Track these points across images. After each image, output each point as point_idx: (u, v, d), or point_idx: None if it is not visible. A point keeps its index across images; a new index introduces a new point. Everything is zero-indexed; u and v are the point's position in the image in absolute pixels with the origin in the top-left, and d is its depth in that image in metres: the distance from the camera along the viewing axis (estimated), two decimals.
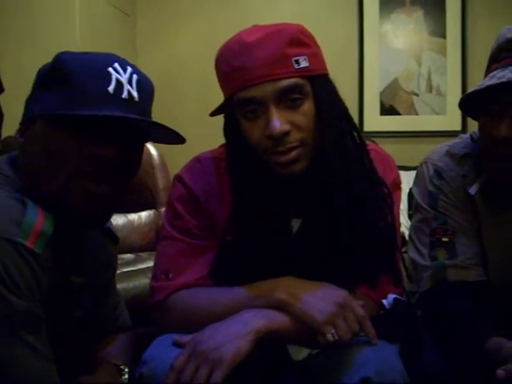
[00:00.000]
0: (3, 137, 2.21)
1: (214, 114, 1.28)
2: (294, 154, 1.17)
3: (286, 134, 1.15)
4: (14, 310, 0.93)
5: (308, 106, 1.18)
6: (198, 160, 1.34)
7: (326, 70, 1.24)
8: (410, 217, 2.88)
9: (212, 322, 1.14)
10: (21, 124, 1.11)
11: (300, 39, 1.19)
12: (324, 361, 1.17)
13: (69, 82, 1.03)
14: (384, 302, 1.22)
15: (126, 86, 1.07)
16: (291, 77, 1.16)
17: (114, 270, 1.40)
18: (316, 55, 1.21)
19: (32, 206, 1.00)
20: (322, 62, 1.24)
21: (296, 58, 1.16)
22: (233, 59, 1.17)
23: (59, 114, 1.03)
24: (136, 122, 1.08)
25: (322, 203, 1.21)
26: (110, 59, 1.09)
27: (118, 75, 1.06)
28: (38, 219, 0.99)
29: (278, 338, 1.14)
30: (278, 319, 1.13)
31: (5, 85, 2.08)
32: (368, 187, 1.23)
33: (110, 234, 1.34)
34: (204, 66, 3.69)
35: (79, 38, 2.95)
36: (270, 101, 1.15)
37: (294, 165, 1.17)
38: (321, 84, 1.20)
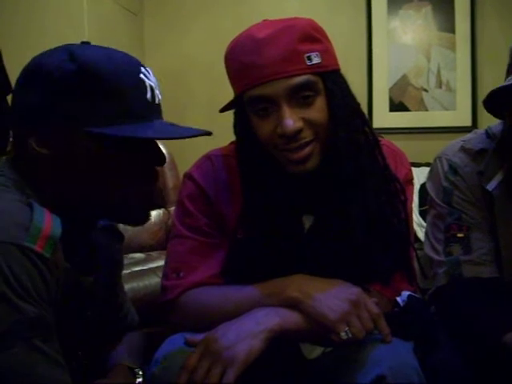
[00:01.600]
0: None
1: (223, 110, 1.27)
2: (307, 150, 1.16)
3: (299, 131, 1.14)
4: (24, 317, 0.91)
5: (320, 102, 1.17)
6: (208, 158, 1.34)
7: (337, 65, 1.22)
8: (421, 213, 2.89)
9: (224, 320, 1.13)
10: (33, 131, 1.04)
11: (312, 35, 1.17)
12: (337, 359, 1.16)
13: (111, 94, 1.01)
14: (398, 299, 1.21)
15: (156, 91, 1.07)
16: (303, 73, 1.14)
17: (121, 268, 1.39)
18: (328, 51, 1.20)
19: (39, 208, 0.99)
20: (334, 58, 1.22)
21: (308, 55, 1.15)
22: (243, 56, 1.16)
23: (110, 133, 1.01)
24: None
25: (335, 200, 1.20)
26: (135, 63, 1.07)
27: (149, 81, 1.06)
28: (45, 223, 0.97)
29: (291, 336, 1.13)
30: (291, 318, 1.12)
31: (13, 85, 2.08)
32: (381, 183, 1.22)
33: (115, 231, 1.33)
34: (212, 64, 3.69)
35: (87, 38, 2.95)
36: (281, 98, 1.14)
37: (307, 162, 1.16)
38: (333, 80, 1.19)
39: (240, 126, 1.24)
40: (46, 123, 1.03)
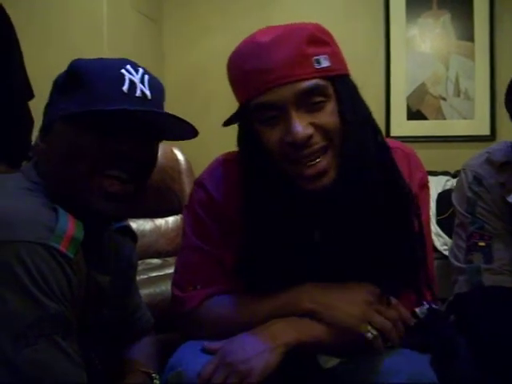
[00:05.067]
0: (33, 143, 2.23)
1: (227, 124, 1.19)
2: (323, 163, 1.09)
3: (309, 137, 1.07)
4: (47, 314, 0.93)
5: (331, 107, 1.10)
6: (220, 163, 1.29)
7: (347, 69, 1.16)
8: (439, 223, 2.87)
9: (240, 330, 1.13)
10: (40, 131, 1.14)
11: (319, 37, 1.11)
12: (354, 369, 1.15)
13: (85, 85, 1.07)
14: (417, 310, 1.18)
15: (139, 86, 1.10)
16: (312, 77, 1.07)
17: (135, 268, 1.40)
18: (336, 54, 1.13)
19: (63, 212, 1.02)
20: (343, 61, 1.16)
21: (316, 58, 1.08)
22: (246, 62, 1.10)
23: (74, 112, 1.06)
24: (151, 120, 1.10)
25: (344, 212, 1.13)
26: (122, 62, 1.12)
27: (131, 76, 1.10)
28: (69, 225, 1.00)
29: (308, 348, 1.12)
30: (308, 331, 1.11)
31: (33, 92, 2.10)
32: (392, 196, 1.15)
33: (129, 233, 1.35)
34: None
35: (106, 45, 2.97)
36: (289, 104, 1.07)
37: (323, 178, 1.10)
38: (343, 85, 1.12)
39: (245, 137, 1.17)
40: (46, 120, 1.13)
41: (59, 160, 1.08)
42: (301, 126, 1.06)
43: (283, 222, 1.14)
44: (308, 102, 1.08)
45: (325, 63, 1.09)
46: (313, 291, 1.15)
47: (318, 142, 1.09)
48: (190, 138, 1.15)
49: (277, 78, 1.06)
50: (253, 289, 1.20)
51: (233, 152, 1.28)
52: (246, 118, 1.14)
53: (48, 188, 1.09)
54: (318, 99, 1.09)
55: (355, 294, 1.12)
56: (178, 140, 1.18)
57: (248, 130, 1.15)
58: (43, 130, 1.13)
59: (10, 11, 1.98)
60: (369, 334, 1.08)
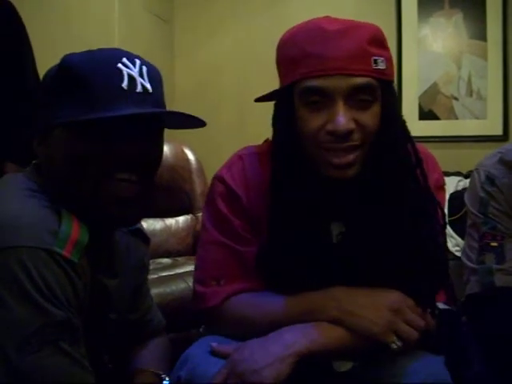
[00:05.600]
0: None
1: (259, 100, 1.21)
2: (351, 157, 1.11)
3: (350, 132, 1.10)
4: (52, 320, 0.92)
5: (375, 109, 1.13)
6: (239, 157, 1.29)
7: (393, 77, 1.19)
8: (450, 223, 2.86)
9: (262, 332, 1.11)
10: (37, 132, 1.10)
11: (381, 40, 1.16)
12: (369, 373, 1.13)
13: (82, 86, 1.02)
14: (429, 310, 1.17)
15: (139, 80, 1.05)
16: (367, 75, 1.10)
17: (147, 271, 1.38)
18: (391, 60, 1.17)
19: (67, 215, 1.00)
20: (393, 69, 1.19)
21: (375, 58, 1.12)
22: (308, 44, 1.11)
23: (80, 120, 1.01)
24: (156, 114, 1.07)
25: (367, 212, 1.14)
26: (117, 55, 1.07)
27: (129, 70, 1.05)
28: (73, 228, 0.99)
29: (319, 357, 1.10)
30: (322, 339, 1.09)
31: None
32: (419, 203, 1.16)
33: (141, 235, 1.33)
34: (242, 71, 3.69)
35: (118, 45, 2.98)
36: (339, 95, 1.09)
37: (349, 169, 1.12)
38: (390, 91, 1.16)
39: (282, 117, 1.17)
40: (41, 121, 1.08)
41: (64, 165, 1.05)
42: (345, 118, 1.09)
43: (306, 209, 1.15)
44: (357, 97, 1.11)
45: (381, 65, 1.12)
46: (339, 298, 1.13)
47: (356, 139, 1.11)
48: (197, 127, 1.14)
49: (336, 67, 1.09)
50: (274, 286, 1.19)
51: (251, 146, 1.31)
52: (287, 98, 1.15)
53: (52, 188, 1.06)
54: (367, 98, 1.11)
55: (382, 301, 1.11)
56: (186, 128, 1.16)
57: (288, 110, 1.16)
58: (41, 132, 1.08)
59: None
60: (393, 345, 1.07)
